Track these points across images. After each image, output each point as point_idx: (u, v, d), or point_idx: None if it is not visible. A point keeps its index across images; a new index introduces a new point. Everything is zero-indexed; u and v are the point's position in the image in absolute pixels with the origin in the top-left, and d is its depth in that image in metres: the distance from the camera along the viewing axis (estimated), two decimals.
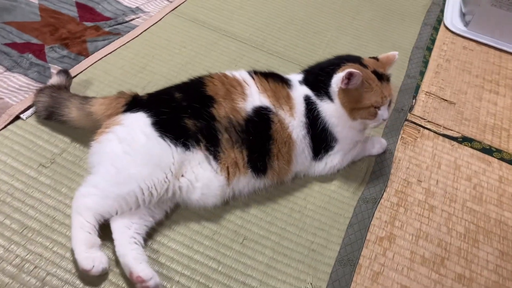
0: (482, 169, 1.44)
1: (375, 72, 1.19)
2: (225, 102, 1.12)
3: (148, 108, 1.09)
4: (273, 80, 1.20)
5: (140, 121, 1.06)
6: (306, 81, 1.24)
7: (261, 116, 1.13)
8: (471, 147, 1.50)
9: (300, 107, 1.19)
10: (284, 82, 1.22)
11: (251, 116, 1.12)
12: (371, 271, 1.11)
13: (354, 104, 1.17)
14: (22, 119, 1.23)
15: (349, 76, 1.12)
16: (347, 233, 1.17)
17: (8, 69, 1.33)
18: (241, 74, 1.20)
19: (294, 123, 1.17)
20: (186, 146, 1.06)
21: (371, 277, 1.10)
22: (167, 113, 1.08)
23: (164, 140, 1.04)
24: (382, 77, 1.19)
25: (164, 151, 1.04)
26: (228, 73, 1.20)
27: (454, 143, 1.50)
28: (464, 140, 1.52)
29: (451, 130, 1.55)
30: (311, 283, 1.05)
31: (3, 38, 1.42)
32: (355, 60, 1.21)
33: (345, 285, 1.06)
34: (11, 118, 1.21)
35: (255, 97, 1.15)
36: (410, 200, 1.29)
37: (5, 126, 1.20)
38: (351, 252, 1.13)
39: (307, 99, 1.20)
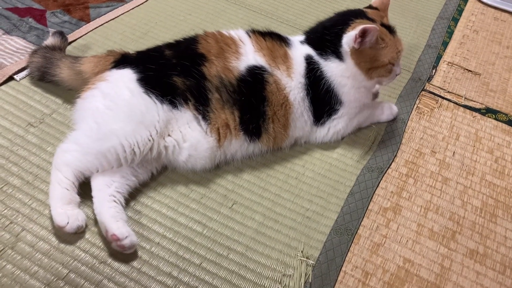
0: (506, 141, 1.31)
1: (383, 25, 1.10)
2: (217, 61, 1.05)
3: (136, 65, 1.04)
4: (270, 38, 1.13)
5: (126, 77, 1.02)
6: (308, 41, 1.16)
7: (255, 75, 1.06)
8: (495, 119, 1.37)
9: (299, 67, 1.11)
10: (283, 41, 1.14)
11: (244, 76, 1.05)
12: (371, 242, 1.02)
13: (371, 63, 1.10)
14: (16, 80, 1.21)
15: (363, 34, 1.04)
16: (347, 202, 1.08)
17: (7, 32, 1.32)
18: (237, 33, 1.13)
19: (292, 84, 1.09)
20: (173, 104, 1.01)
21: (370, 248, 1.01)
22: (154, 69, 1.02)
23: (149, 96, 0.99)
24: (391, 30, 1.11)
25: (149, 108, 0.99)
26: (224, 31, 1.13)
27: (476, 114, 1.38)
28: (488, 112, 1.39)
29: (474, 101, 1.43)
30: (301, 251, 0.97)
31: (5, 3, 1.42)
32: (360, 15, 1.12)
33: (340, 255, 0.98)
34: (4, 79, 1.19)
35: (249, 56, 1.08)
36: (422, 171, 1.19)
37: None
38: (350, 221, 1.04)
39: (309, 59, 1.12)
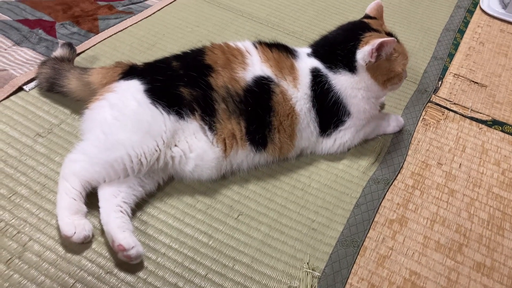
0: None
1: (388, 34, 1.13)
2: (224, 72, 1.06)
3: (143, 76, 1.05)
4: (277, 49, 1.13)
5: (133, 87, 1.03)
6: (316, 54, 1.16)
7: (261, 86, 1.07)
8: (501, 130, 1.37)
9: (305, 78, 1.11)
10: (289, 52, 1.15)
11: (250, 86, 1.06)
12: (377, 254, 1.02)
13: (388, 74, 1.12)
14: (25, 90, 1.22)
15: (380, 47, 1.05)
16: (353, 214, 1.08)
17: (17, 43, 1.34)
18: (244, 44, 1.14)
19: (298, 95, 1.10)
20: (179, 114, 1.02)
21: (376, 260, 1.01)
22: (162, 80, 1.03)
23: (156, 107, 1.00)
24: (395, 37, 1.14)
25: (156, 118, 0.99)
26: (230, 43, 1.14)
27: (483, 126, 1.38)
28: (495, 124, 1.39)
29: (480, 113, 1.43)
30: (307, 263, 0.97)
31: (16, 15, 1.44)
32: (366, 27, 1.13)
33: (346, 267, 0.97)
34: (13, 89, 1.21)
35: (256, 66, 1.09)
36: (428, 183, 1.19)
37: (8, 97, 1.20)
38: (356, 233, 1.04)
39: (315, 72, 1.12)
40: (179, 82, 1.03)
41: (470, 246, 1.07)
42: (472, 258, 1.04)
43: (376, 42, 1.04)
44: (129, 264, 0.91)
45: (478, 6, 1.94)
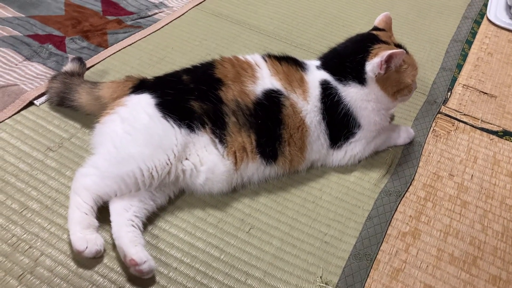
0: None
1: (397, 46, 1.13)
2: (234, 85, 1.06)
3: (154, 90, 1.05)
4: (286, 63, 1.14)
5: (144, 101, 1.03)
6: (325, 67, 1.16)
7: (271, 99, 1.07)
8: None
9: (314, 91, 1.11)
10: (299, 65, 1.15)
11: (260, 99, 1.06)
12: (390, 267, 1.01)
13: (397, 86, 1.12)
14: (36, 105, 1.23)
15: (389, 59, 1.05)
16: (365, 226, 1.07)
17: (27, 58, 1.35)
18: (254, 57, 1.14)
19: (308, 107, 1.10)
20: (190, 128, 1.02)
21: (390, 273, 1.00)
22: (172, 94, 1.04)
23: (167, 120, 1.00)
24: (404, 48, 1.14)
25: (167, 132, 0.99)
26: (240, 56, 1.15)
27: (494, 137, 1.37)
28: (505, 134, 1.38)
29: (491, 123, 1.42)
30: (320, 277, 0.96)
31: (26, 30, 1.45)
32: (375, 39, 1.13)
33: (360, 281, 0.96)
34: (24, 104, 1.21)
35: (265, 80, 1.09)
36: (440, 195, 1.18)
37: (18, 111, 1.20)
38: (369, 246, 1.03)
39: (325, 84, 1.12)
40: (190, 96, 1.03)
41: (485, 258, 1.05)
42: (487, 271, 1.03)
43: (385, 54, 1.04)
44: (141, 279, 0.90)
45: (485, 16, 1.94)
